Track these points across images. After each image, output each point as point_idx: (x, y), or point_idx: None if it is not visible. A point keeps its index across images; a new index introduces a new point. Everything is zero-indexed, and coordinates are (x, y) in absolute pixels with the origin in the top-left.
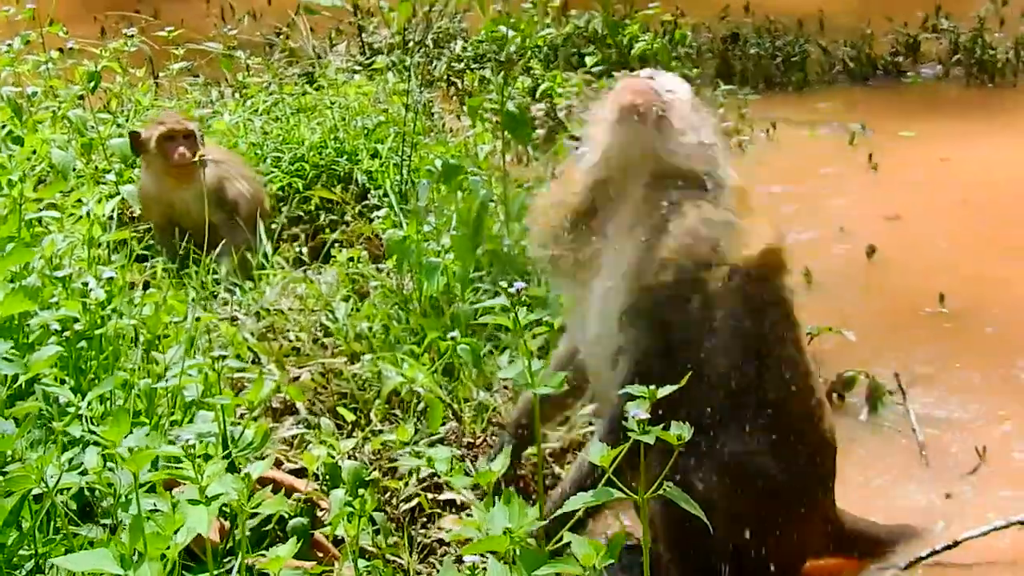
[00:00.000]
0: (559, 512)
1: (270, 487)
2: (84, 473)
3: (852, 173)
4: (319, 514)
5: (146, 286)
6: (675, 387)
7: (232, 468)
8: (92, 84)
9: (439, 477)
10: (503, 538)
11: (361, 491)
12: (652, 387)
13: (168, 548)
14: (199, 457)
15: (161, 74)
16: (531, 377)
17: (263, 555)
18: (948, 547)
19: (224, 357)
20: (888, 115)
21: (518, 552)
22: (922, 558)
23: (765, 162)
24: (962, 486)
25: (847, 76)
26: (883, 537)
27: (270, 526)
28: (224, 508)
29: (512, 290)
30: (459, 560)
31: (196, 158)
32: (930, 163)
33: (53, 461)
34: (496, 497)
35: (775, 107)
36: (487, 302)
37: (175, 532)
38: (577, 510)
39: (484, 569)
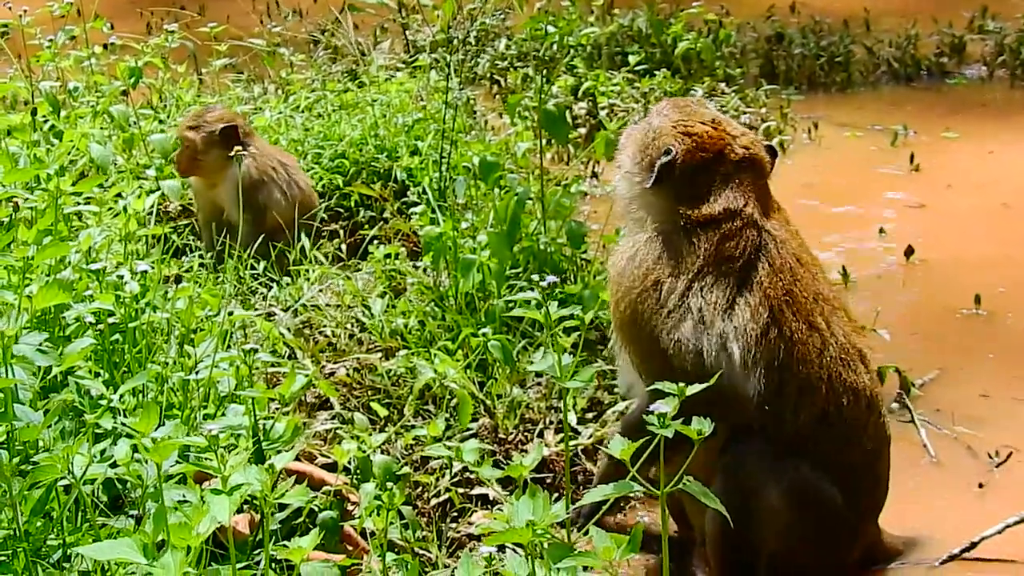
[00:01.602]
0: (580, 505)
1: (294, 479)
2: (114, 465)
3: (894, 174)
4: (349, 508)
5: (178, 280)
6: (705, 385)
7: (262, 460)
8: (133, 80)
9: (470, 472)
10: (525, 530)
11: (390, 485)
12: (682, 384)
13: (192, 538)
14: (224, 448)
15: (204, 70)
16: (561, 370)
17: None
18: (967, 548)
19: (256, 351)
20: (931, 116)
21: (545, 545)
22: (955, 556)
23: (806, 162)
24: (990, 482)
25: (891, 76)
26: (898, 547)
27: (300, 519)
28: (255, 501)
29: (544, 284)
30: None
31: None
32: (972, 165)
33: (81, 452)
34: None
35: (818, 107)
36: (518, 295)
37: (200, 522)
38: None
39: (502, 560)
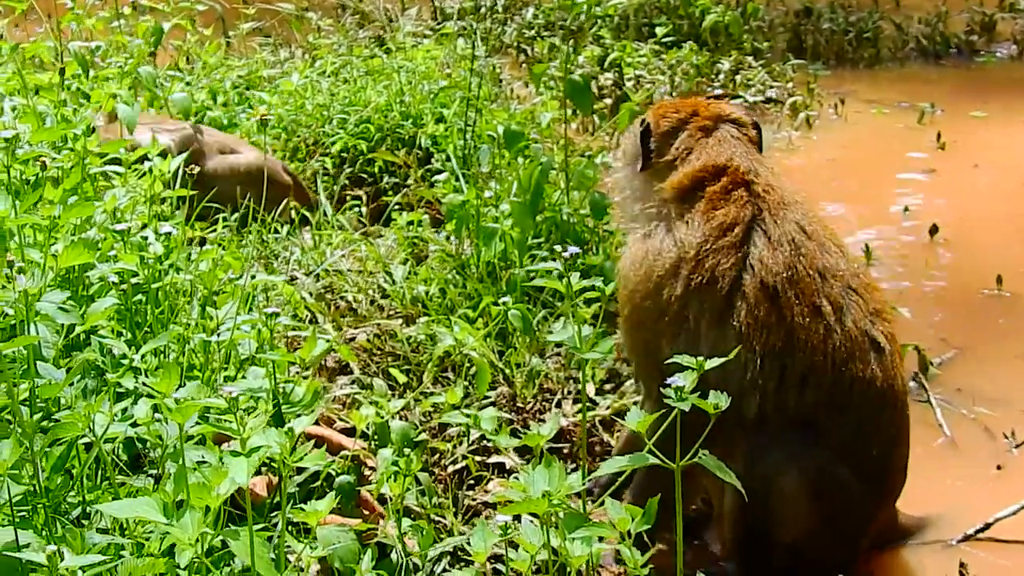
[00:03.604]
0: (595, 476)
1: (312, 442)
2: (135, 424)
3: (920, 152)
4: (367, 473)
5: (203, 242)
6: (723, 359)
7: (281, 423)
8: (154, 39)
9: (487, 441)
10: (541, 500)
11: (408, 451)
12: (701, 358)
13: (211, 499)
14: (244, 410)
15: (232, 33)
16: (580, 341)
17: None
18: (981, 529)
19: (277, 314)
20: (959, 94)
21: (561, 515)
22: (969, 536)
23: (832, 138)
24: (1008, 463)
25: (919, 54)
26: (913, 527)
27: (317, 483)
28: (273, 463)
29: (565, 254)
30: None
31: None
32: (999, 144)
33: (102, 410)
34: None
35: (845, 83)
36: (540, 265)
37: (220, 484)
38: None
39: (517, 529)
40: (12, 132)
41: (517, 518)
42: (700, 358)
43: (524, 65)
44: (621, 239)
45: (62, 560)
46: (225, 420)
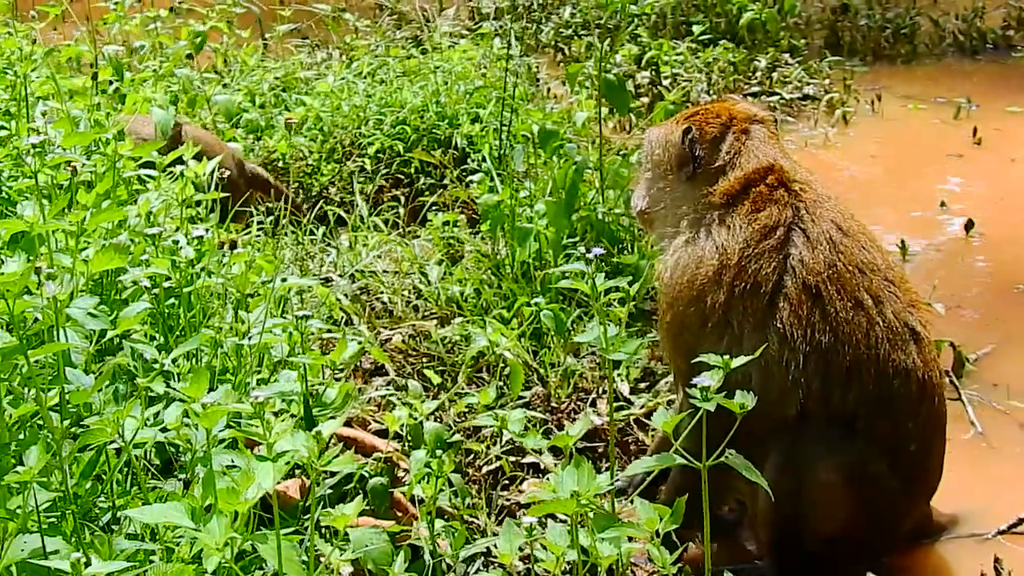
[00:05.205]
0: (624, 475)
1: (342, 445)
2: (165, 429)
3: (955, 147)
4: (400, 474)
5: (234, 245)
6: (748, 359)
7: (313, 426)
8: (199, 41)
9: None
10: (570, 501)
11: (440, 452)
12: (726, 357)
13: (239, 504)
14: (274, 414)
15: (268, 35)
16: (606, 342)
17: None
18: (1014, 524)
19: (308, 317)
20: (996, 90)
21: (590, 515)
22: (1003, 531)
23: (868, 134)
24: None
25: (956, 49)
26: (947, 524)
27: (351, 485)
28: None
29: (590, 255)
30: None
31: None
32: None
33: (133, 415)
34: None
35: (881, 79)
36: (567, 266)
37: (247, 488)
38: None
39: (543, 531)
40: (42, 137)
41: (552, 517)
42: (726, 357)
43: (561, 64)
44: (660, 243)
45: (87, 566)
46: (254, 425)
